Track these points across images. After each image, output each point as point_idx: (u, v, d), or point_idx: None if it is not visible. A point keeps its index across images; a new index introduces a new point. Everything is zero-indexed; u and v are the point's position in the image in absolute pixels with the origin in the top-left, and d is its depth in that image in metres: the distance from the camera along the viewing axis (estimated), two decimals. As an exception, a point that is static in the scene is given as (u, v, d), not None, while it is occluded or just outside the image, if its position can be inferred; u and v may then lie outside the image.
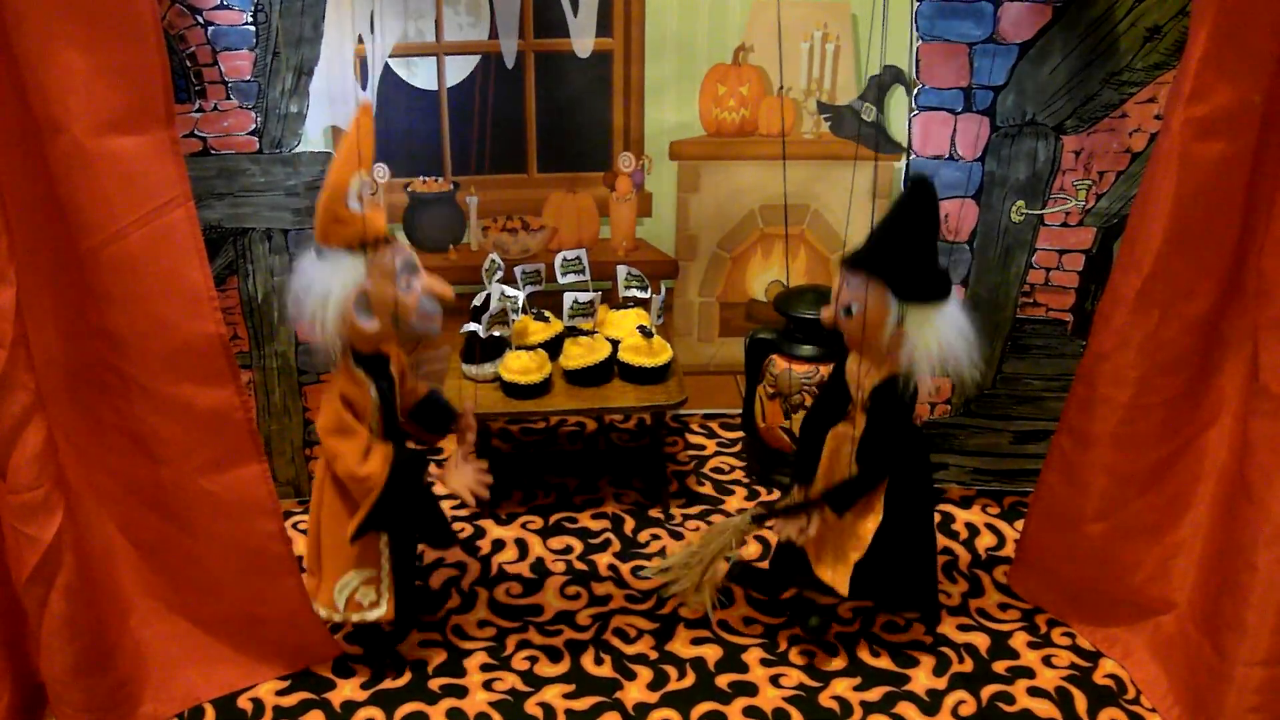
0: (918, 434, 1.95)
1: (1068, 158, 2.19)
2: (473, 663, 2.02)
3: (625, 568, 2.28)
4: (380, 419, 1.82)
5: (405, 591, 1.93)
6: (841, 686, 1.97)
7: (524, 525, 2.43)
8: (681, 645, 2.06)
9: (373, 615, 1.89)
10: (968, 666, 2.01)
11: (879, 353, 1.79)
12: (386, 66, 2.50)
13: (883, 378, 1.81)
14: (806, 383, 2.44)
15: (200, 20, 2.09)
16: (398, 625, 2.00)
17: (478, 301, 2.52)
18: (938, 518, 2.45)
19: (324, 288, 1.69)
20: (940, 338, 1.71)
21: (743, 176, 2.67)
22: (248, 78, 2.14)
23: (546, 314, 2.47)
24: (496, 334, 2.42)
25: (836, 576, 1.91)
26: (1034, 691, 1.96)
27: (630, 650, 2.05)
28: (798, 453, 2.00)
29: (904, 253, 1.72)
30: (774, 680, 1.98)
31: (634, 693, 1.95)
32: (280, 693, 1.94)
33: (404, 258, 1.73)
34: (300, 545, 2.32)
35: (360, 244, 1.69)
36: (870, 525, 1.87)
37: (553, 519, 2.46)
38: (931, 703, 1.93)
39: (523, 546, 2.36)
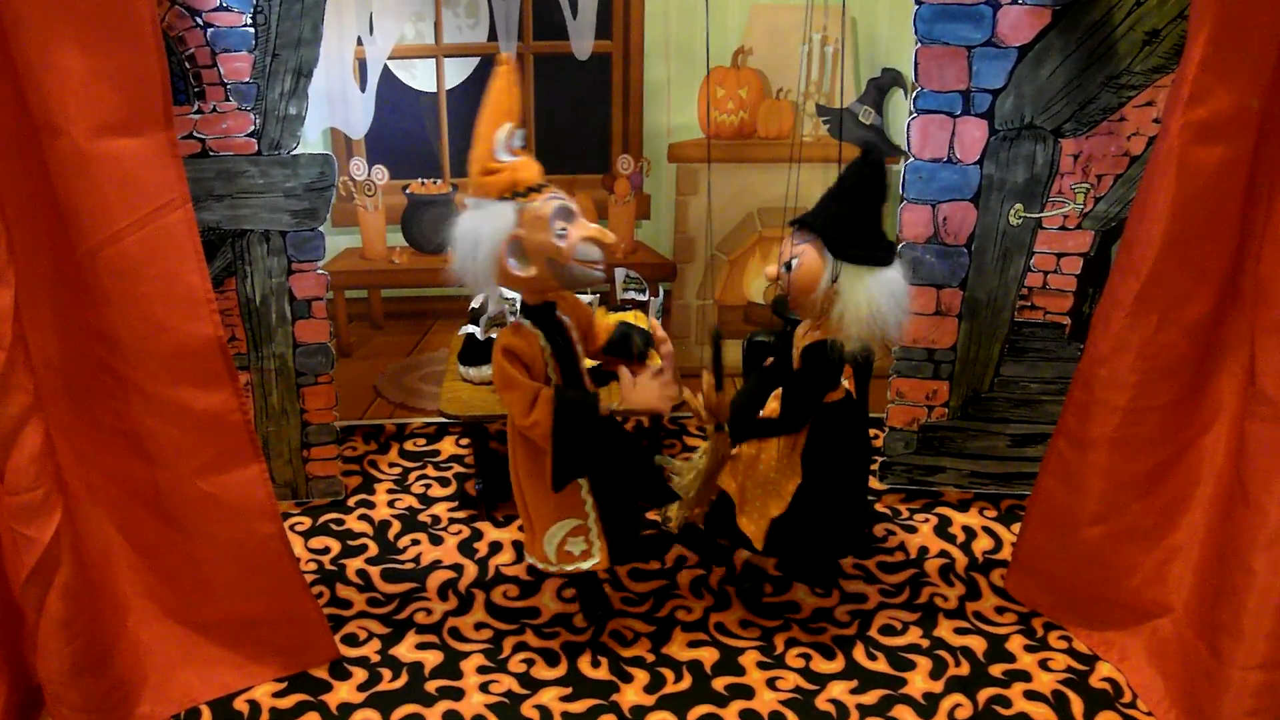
0: (851, 403, 1.97)
1: (1066, 161, 2.20)
2: (469, 665, 2.02)
3: (622, 570, 2.28)
4: (556, 364, 1.83)
5: (619, 540, 1.92)
6: (838, 689, 1.97)
7: (521, 528, 2.43)
8: (678, 648, 2.06)
9: (586, 565, 1.89)
10: (964, 670, 2.02)
11: (814, 309, 1.83)
12: (386, 68, 2.50)
13: (816, 340, 1.86)
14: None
15: (200, 22, 2.09)
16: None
17: (475, 303, 2.52)
18: (934, 520, 2.45)
19: (475, 237, 1.70)
20: (871, 299, 1.76)
21: (742, 179, 2.67)
22: (247, 79, 2.15)
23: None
24: (494, 336, 2.42)
25: (755, 530, 1.99)
26: (1030, 695, 1.96)
27: (627, 653, 2.05)
28: (739, 408, 2.01)
29: (843, 214, 1.78)
30: (770, 683, 1.98)
31: (631, 695, 1.95)
32: (277, 694, 1.95)
33: (558, 204, 1.72)
34: (299, 546, 2.33)
35: (511, 193, 1.70)
36: (792, 484, 1.95)
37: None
38: (928, 706, 1.93)
39: (520, 549, 2.36)
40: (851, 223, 1.78)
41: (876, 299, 1.75)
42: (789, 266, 1.81)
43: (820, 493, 1.96)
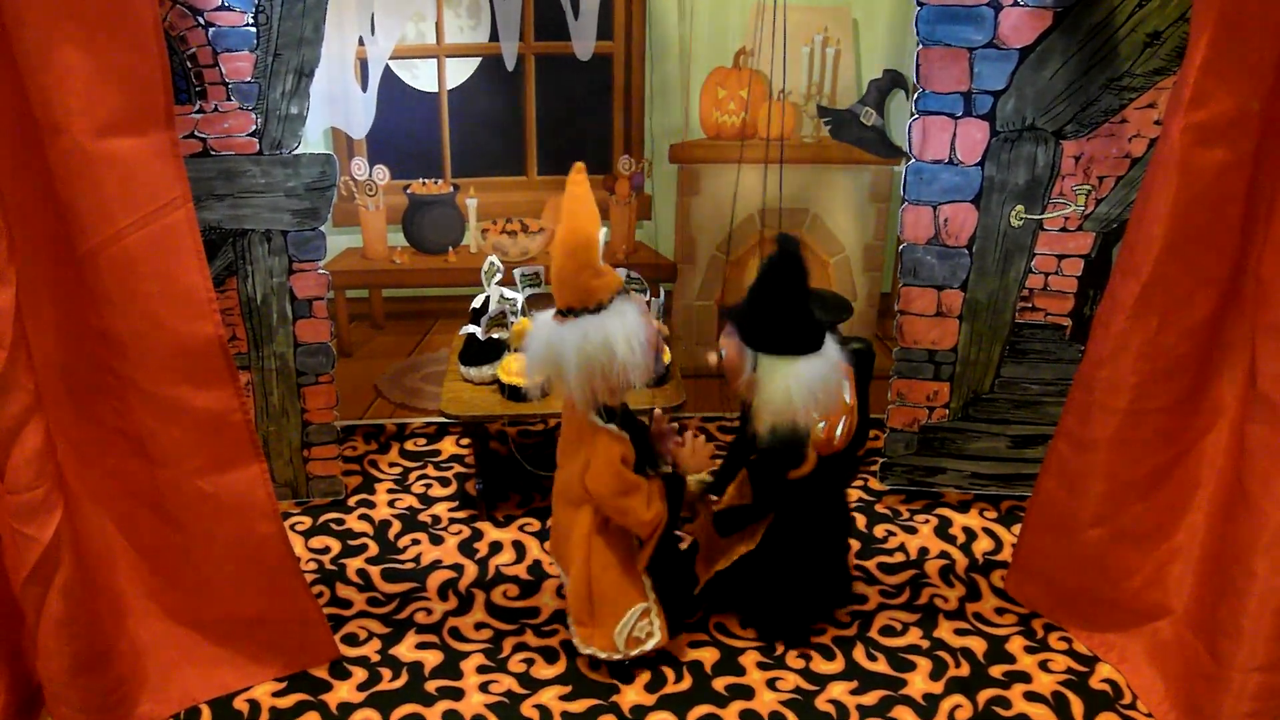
0: (796, 484, 1.95)
1: (1067, 163, 2.20)
2: (469, 664, 2.02)
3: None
4: (641, 461, 1.85)
5: (673, 612, 1.99)
6: (838, 690, 1.97)
7: (521, 528, 2.44)
8: (679, 648, 2.06)
9: (650, 645, 1.94)
10: (964, 671, 2.02)
11: (747, 394, 1.87)
12: (387, 68, 2.50)
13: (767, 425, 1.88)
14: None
15: (201, 21, 2.09)
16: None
17: (477, 304, 2.53)
18: (934, 521, 2.46)
19: (628, 342, 1.71)
20: (787, 388, 1.79)
21: (742, 180, 2.67)
22: (248, 79, 2.15)
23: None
24: (495, 336, 2.43)
25: (703, 575, 2.12)
26: (1030, 696, 1.96)
27: (627, 653, 2.05)
28: (721, 467, 2.13)
29: (760, 307, 1.82)
30: (771, 684, 1.98)
31: (631, 695, 1.95)
32: (277, 694, 1.95)
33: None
34: (299, 546, 2.33)
35: (612, 296, 1.74)
36: (742, 548, 2.05)
37: (550, 522, 2.45)
38: (928, 707, 1.93)
39: (520, 549, 2.36)
40: (767, 314, 1.81)
41: (791, 388, 1.79)
42: (719, 356, 1.88)
43: (771, 562, 2.03)
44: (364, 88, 2.50)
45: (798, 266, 1.78)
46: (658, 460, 1.92)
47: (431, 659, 2.03)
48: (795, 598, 2.06)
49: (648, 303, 2.50)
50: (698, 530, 2.17)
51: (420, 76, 2.53)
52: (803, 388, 1.78)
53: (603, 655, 1.93)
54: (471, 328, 2.44)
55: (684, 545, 2.21)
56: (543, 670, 2.00)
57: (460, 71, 2.54)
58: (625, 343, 1.71)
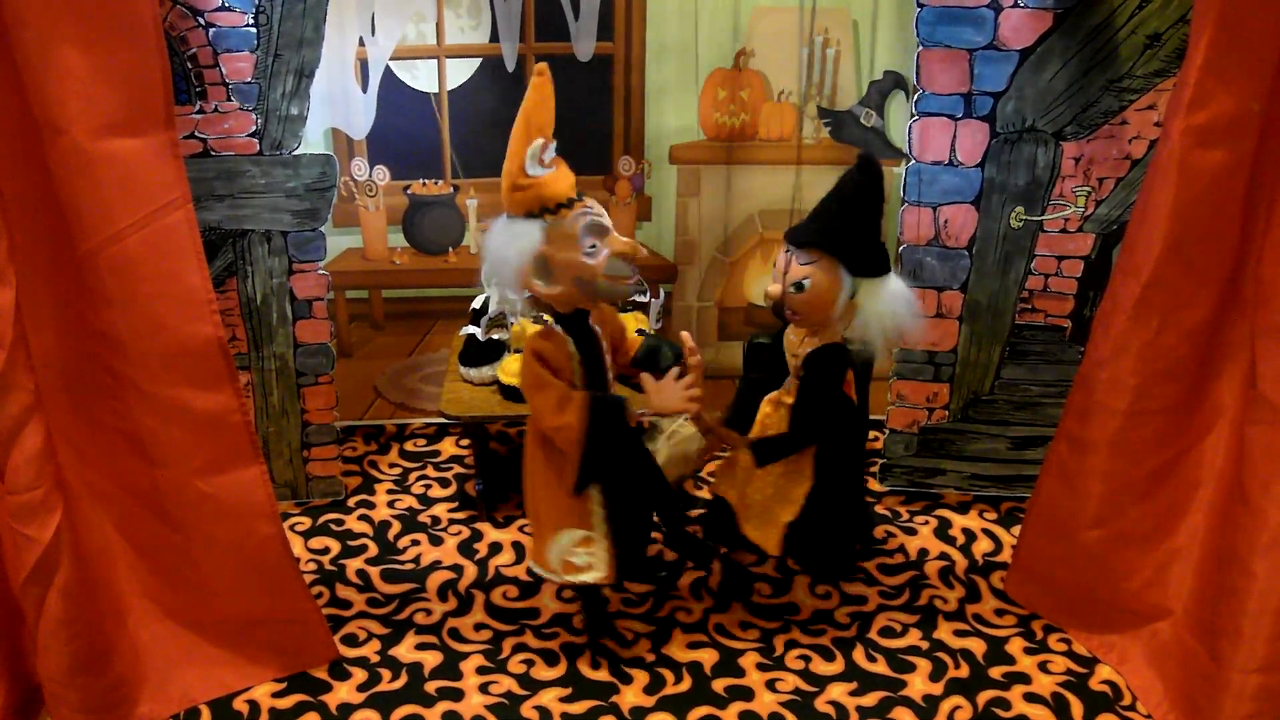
0: (849, 404, 1.97)
1: (1067, 164, 2.20)
2: (469, 665, 2.02)
3: (622, 571, 2.28)
4: (583, 372, 1.82)
5: (626, 557, 1.91)
6: (837, 691, 1.97)
7: (521, 529, 2.43)
8: (678, 649, 2.06)
9: (588, 577, 1.88)
10: (964, 672, 2.02)
11: (825, 325, 1.84)
12: (387, 69, 2.50)
13: (817, 346, 1.86)
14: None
15: (202, 22, 2.09)
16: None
17: (476, 304, 2.53)
18: (933, 522, 2.45)
19: (501, 253, 1.70)
20: (890, 308, 1.78)
21: (743, 181, 2.67)
22: (249, 79, 2.15)
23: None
24: (495, 337, 2.43)
25: (766, 536, 2.00)
26: (1030, 697, 1.96)
27: (627, 654, 2.05)
28: (732, 413, 2.05)
29: (856, 230, 1.77)
30: (770, 685, 1.98)
31: (630, 696, 1.95)
32: (276, 695, 1.95)
33: (588, 221, 1.71)
34: (299, 547, 2.33)
35: (540, 209, 1.69)
36: (801, 489, 1.95)
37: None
38: (928, 708, 1.93)
39: (520, 550, 2.36)
40: (861, 237, 1.77)
41: (895, 307, 1.77)
42: (799, 287, 1.80)
43: (831, 492, 1.97)
44: (364, 88, 2.50)
45: (881, 181, 1.75)
46: (606, 384, 1.86)
47: (431, 660, 2.03)
48: (853, 528, 2.03)
49: (647, 304, 2.50)
50: (728, 489, 2.04)
51: (420, 77, 2.53)
52: (907, 304, 1.78)
53: (539, 571, 1.92)
54: (471, 328, 2.44)
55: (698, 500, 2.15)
56: (542, 671, 2.00)
57: (461, 72, 2.54)
58: (500, 260, 1.70)
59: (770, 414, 1.97)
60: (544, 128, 1.67)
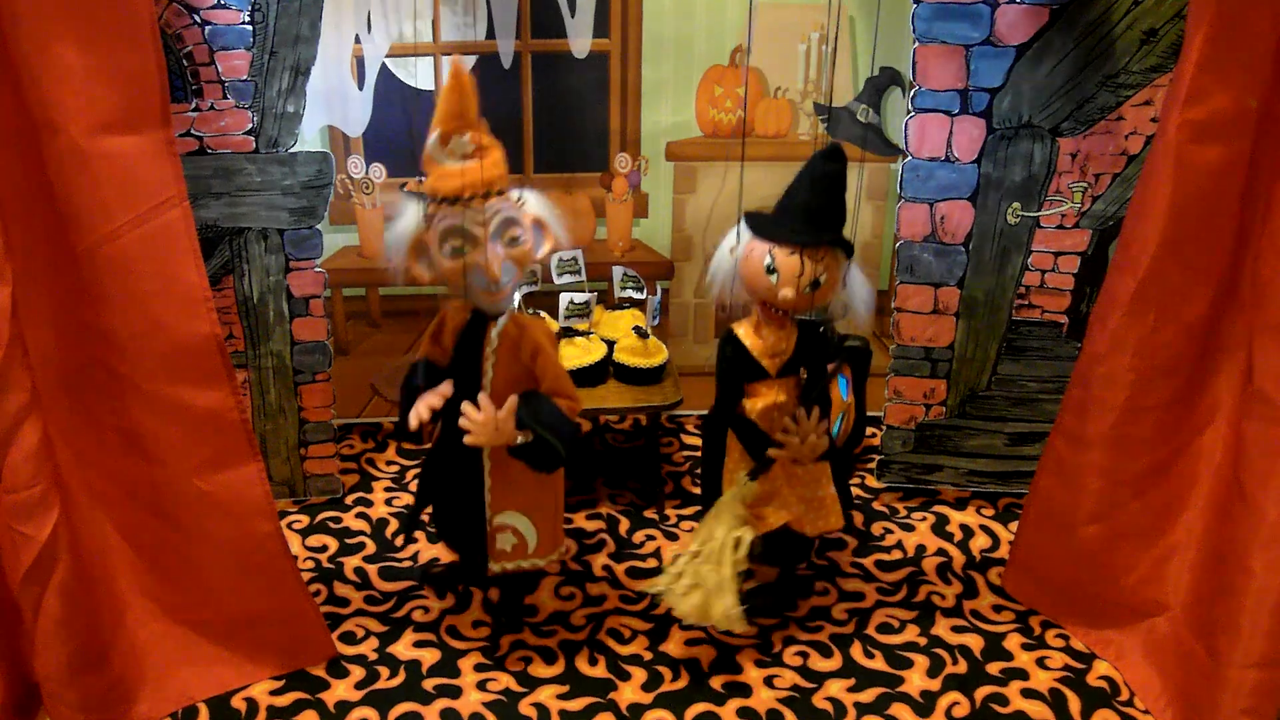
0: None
1: (1064, 160, 2.20)
2: (467, 663, 2.02)
3: (620, 568, 2.28)
4: (455, 356, 1.85)
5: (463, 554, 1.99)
6: (835, 687, 1.97)
7: (519, 525, 2.43)
8: (675, 646, 2.06)
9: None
10: (961, 668, 2.02)
11: (810, 311, 1.91)
12: (384, 66, 2.50)
13: (799, 334, 1.91)
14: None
15: (197, 19, 2.09)
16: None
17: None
18: (931, 519, 2.46)
19: (391, 228, 1.80)
20: (860, 280, 1.88)
21: (738, 177, 2.67)
22: (244, 77, 2.14)
23: (542, 314, 2.47)
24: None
25: (828, 517, 2.02)
26: (1028, 693, 1.96)
27: (624, 651, 2.05)
28: (747, 435, 1.98)
29: (843, 217, 1.83)
30: (768, 681, 1.98)
31: (628, 693, 1.95)
32: (274, 693, 1.94)
33: (500, 220, 1.73)
34: (296, 544, 2.33)
35: (439, 199, 1.71)
36: (822, 463, 1.98)
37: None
38: (925, 704, 1.93)
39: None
40: (837, 219, 1.82)
41: (862, 278, 1.88)
42: (816, 285, 1.81)
43: (839, 453, 2.04)
44: (360, 86, 2.50)
45: (845, 162, 1.80)
46: (476, 383, 1.82)
47: (429, 657, 2.03)
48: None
49: (644, 300, 2.50)
50: (779, 516, 1.97)
51: (417, 74, 2.53)
52: (864, 279, 1.89)
53: None
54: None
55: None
56: (540, 669, 2.00)
57: (457, 69, 2.54)
58: (388, 236, 1.78)
59: (770, 417, 1.92)
60: (455, 118, 1.68)
